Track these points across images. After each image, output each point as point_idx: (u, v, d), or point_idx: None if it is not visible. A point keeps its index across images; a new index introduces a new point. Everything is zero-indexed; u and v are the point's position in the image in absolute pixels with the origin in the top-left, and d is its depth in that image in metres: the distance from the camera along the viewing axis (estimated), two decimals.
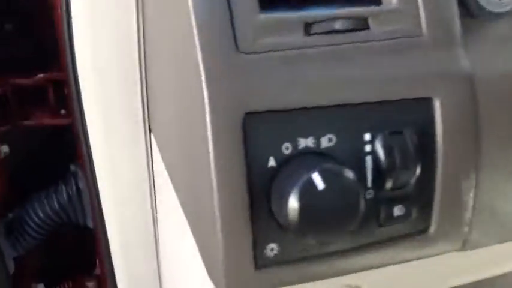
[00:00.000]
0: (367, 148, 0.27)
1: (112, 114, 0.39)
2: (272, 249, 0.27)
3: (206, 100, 0.24)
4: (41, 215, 0.53)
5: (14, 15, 0.53)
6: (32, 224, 0.53)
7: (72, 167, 0.56)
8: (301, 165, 0.24)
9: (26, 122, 0.52)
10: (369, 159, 0.27)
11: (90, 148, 0.42)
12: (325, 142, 0.26)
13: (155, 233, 0.46)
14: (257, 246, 0.26)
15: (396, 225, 0.29)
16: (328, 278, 0.29)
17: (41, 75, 0.51)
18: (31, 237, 0.54)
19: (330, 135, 0.26)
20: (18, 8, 0.51)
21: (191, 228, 0.31)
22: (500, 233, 0.32)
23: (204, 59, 0.24)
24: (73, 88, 0.41)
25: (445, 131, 0.28)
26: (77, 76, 0.40)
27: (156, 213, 0.45)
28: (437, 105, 0.28)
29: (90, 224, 0.54)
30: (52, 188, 0.54)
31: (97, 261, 0.59)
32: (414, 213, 0.29)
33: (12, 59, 0.50)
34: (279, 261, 0.27)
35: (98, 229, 0.49)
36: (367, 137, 0.27)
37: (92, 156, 0.43)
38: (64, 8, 0.37)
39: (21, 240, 0.54)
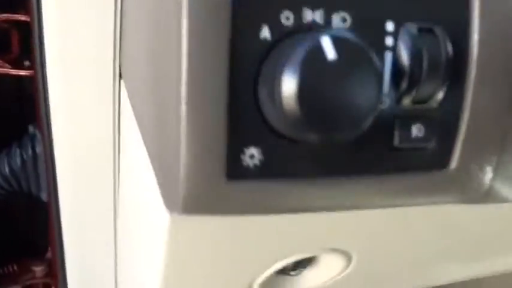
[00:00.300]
0: (388, 41, 0.21)
1: (77, 59, 0.33)
2: (252, 156, 0.20)
3: None
4: None
5: None
6: None
7: (31, 129, 0.51)
8: (305, 38, 0.18)
9: None
10: (388, 57, 0.21)
11: (48, 103, 0.36)
12: (337, 21, 0.20)
13: (115, 211, 0.40)
14: (232, 148, 0.19)
15: (412, 151, 0.22)
16: (324, 210, 0.22)
17: (1, 15, 0.45)
18: None
19: (344, 14, 0.20)
20: None
21: (147, 147, 0.25)
22: None
23: None
24: (35, 30, 0.35)
25: (482, 39, 0.22)
26: (41, 17, 0.34)
27: (119, 187, 0.39)
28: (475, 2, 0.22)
29: (44, 197, 0.48)
30: (5, 150, 0.49)
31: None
32: (435, 137, 0.22)
33: None
34: (261, 175, 0.20)
35: (51, 203, 0.42)
36: (389, 26, 0.21)
37: (49, 112, 0.36)
38: None
39: None
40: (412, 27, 0.21)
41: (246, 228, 0.26)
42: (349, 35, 0.18)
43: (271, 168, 0.20)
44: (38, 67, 0.37)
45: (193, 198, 0.20)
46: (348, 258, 0.33)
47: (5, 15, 0.45)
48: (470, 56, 0.22)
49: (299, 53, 0.17)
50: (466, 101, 0.23)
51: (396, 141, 0.22)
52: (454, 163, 0.24)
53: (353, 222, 0.30)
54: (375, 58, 0.18)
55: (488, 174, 0.25)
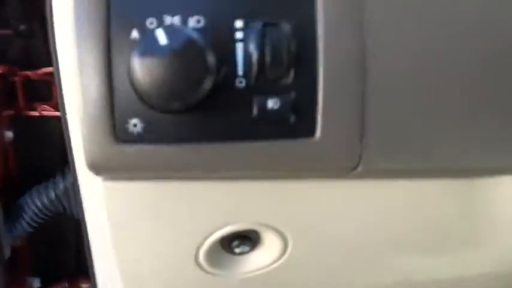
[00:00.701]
0: (239, 35, 0.27)
1: None
2: (135, 124, 0.27)
3: None
4: (38, 203, 0.57)
5: (29, 19, 0.60)
6: (28, 211, 0.57)
7: None
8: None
9: (31, 113, 0.57)
10: (240, 47, 0.27)
11: (69, 137, 0.45)
12: (192, 23, 0.27)
13: None
14: (118, 119, 0.26)
15: (275, 121, 0.28)
16: (204, 171, 0.28)
17: (46, 70, 0.55)
18: (27, 224, 0.57)
19: (199, 17, 0.27)
20: (32, 14, 0.57)
21: None
22: (398, 153, 0.30)
23: None
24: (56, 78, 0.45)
25: (327, 24, 0.28)
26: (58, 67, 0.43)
27: None
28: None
29: None
30: (52, 179, 0.57)
31: None
32: (291, 109, 0.28)
33: (24, 55, 0.56)
34: (143, 140, 0.27)
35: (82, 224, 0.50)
36: (239, 23, 0.27)
37: (71, 147, 0.44)
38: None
39: (17, 226, 0.57)
40: (258, 23, 0.27)
41: (179, 194, 0.32)
42: (178, 26, 0.25)
43: (151, 134, 0.27)
44: (61, 107, 0.46)
45: (94, 158, 0.27)
46: (285, 242, 0.37)
47: (44, 70, 0.55)
48: (318, 40, 0.28)
49: (140, 42, 0.24)
50: (319, 79, 0.28)
51: (254, 113, 0.28)
52: (318, 133, 0.29)
53: (281, 198, 0.34)
54: (202, 40, 0.25)
55: (355, 142, 0.29)
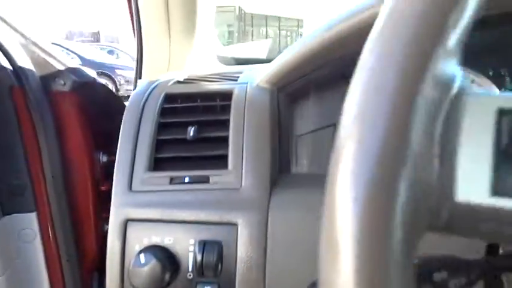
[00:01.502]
0: (191, 248, 0.49)
1: None
2: None
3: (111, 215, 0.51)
4: None
5: None
6: None
7: None
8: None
9: None
10: (191, 255, 0.49)
11: None
12: (167, 240, 0.49)
13: None
14: None
15: None
16: None
17: None
18: None
19: (170, 237, 0.50)
20: None
21: None
22: None
23: (115, 194, 0.52)
24: None
25: (241, 243, 0.48)
26: None
27: None
28: (239, 227, 0.48)
29: None
30: None
31: None
32: None
33: None
34: None
35: None
36: (191, 241, 0.49)
37: None
38: None
39: None
40: (201, 241, 0.49)
41: None
42: (150, 253, 0.48)
43: None
44: None
45: None
46: None
47: None
48: (237, 251, 0.49)
49: (133, 259, 0.48)
50: (237, 274, 0.48)
51: None
52: None
53: None
54: (161, 262, 0.47)
55: None
